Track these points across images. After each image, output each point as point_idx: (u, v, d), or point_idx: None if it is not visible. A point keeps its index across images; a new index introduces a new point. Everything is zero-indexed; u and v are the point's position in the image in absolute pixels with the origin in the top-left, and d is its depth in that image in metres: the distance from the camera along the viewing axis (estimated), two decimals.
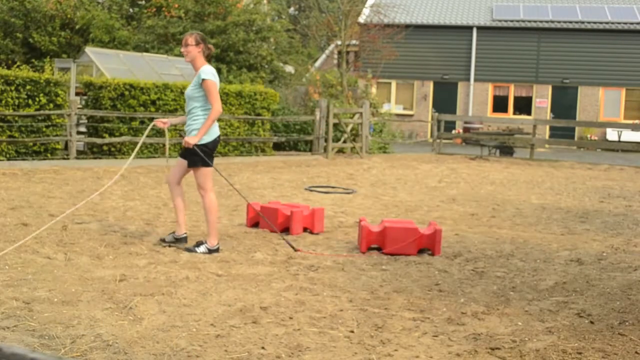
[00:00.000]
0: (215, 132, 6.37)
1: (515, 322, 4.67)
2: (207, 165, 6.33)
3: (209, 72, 6.27)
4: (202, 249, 6.41)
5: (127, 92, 14.54)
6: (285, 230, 7.49)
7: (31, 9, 22.72)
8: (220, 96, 16.29)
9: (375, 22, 27.95)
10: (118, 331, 4.16)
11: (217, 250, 6.42)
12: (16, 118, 12.88)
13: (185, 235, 6.67)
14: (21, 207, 8.22)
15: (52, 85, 13.45)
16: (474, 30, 29.10)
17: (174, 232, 6.75)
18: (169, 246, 6.56)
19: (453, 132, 27.39)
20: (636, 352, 4.14)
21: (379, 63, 27.84)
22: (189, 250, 6.42)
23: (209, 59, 6.58)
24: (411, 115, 29.61)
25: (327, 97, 22.13)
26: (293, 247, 6.58)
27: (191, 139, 6.25)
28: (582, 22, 28.40)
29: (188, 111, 6.46)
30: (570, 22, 28.51)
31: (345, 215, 8.95)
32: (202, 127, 6.25)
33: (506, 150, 20.55)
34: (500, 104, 29.53)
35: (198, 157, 6.29)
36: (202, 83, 6.24)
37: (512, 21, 29.07)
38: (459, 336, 4.34)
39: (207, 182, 6.39)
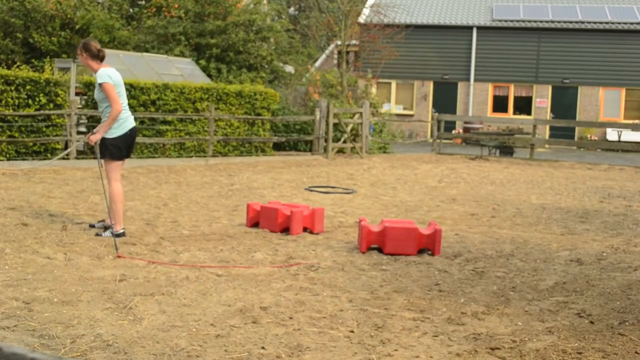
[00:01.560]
0: (123, 127, 6.87)
1: (515, 322, 4.67)
2: (114, 157, 6.87)
3: (104, 74, 6.75)
4: (107, 233, 6.84)
5: (127, 92, 14.52)
6: (286, 230, 7.50)
7: (31, 9, 22.71)
8: (220, 96, 16.48)
9: (375, 22, 27.95)
10: (118, 331, 4.16)
11: (123, 234, 6.84)
12: (16, 118, 12.88)
13: (123, 230, 6.95)
14: (21, 207, 8.22)
15: (52, 85, 13.46)
16: (474, 30, 29.09)
17: (103, 221, 7.23)
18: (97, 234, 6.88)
19: (453, 132, 27.38)
20: (636, 352, 4.14)
21: (379, 63, 27.84)
22: (98, 235, 6.87)
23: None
24: (411, 115, 29.60)
25: (327, 97, 22.14)
26: (116, 249, 6.29)
27: (93, 137, 6.87)
28: (582, 22, 28.39)
29: (101, 112, 6.98)
30: (570, 22, 28.50)
31: (345, 215, 8.95)
32: (102, 126, 6.84)
33: (506, 150, 20.55)
34: (500, 104, 29.52)
35: (107, 149, 6.86)
36: (100, 87, 6.75)
37: (512, 21, 29.06)
38: (459, 336, 4.34)
39: (112, 173, 6.92)
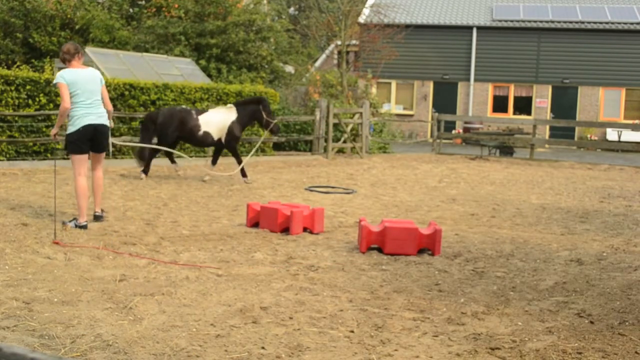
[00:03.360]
0: (77, 124, 7.28)
1: (515, 322, 4.67)
2: (73, 152, 7.35)
3: (58, 75, 7.29)
4: (72, 224, 7.23)
5: (127, 92, 14.54)
6: (286, 230, 7.50)
7: (31, 9, 22.71)
8: (220, 96, 16.47)
9: (375, 22, 27.94)
10: (118, 331, 4.16)
11: (85, 226, 7.19)
12: (16, 118, 12.88)
13: (86, 222, 7.32)
14: (21, 207, 8.22)
15: (52, 86, 13.44)
16: (474, 30, 29.09)
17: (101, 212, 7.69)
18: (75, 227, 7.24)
19: (453, 132, 27.38)
20: (636, 352, 4.14)
21: (379, 63, 27.84)
22: (63, 222, 7.27)
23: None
24: (411, 115, 29.59)
25: (327, 97, 22.13)
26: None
27: (52, 131, 7.63)
28: (582, 22, 28.39)
29: None
30: (570, 22, 28.50)
31: (345, 215, 8.95)
32: (56, 121, 7.46)
33: (506, 150, 20.55)
34: (500, 104, 29.52)
35: (67, 144, 7.49)
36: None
37: (512, 21, 29.06)
38: (459, 336, 4.34)
39: (75, 167, 7.34)
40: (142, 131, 12.01)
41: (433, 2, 31.14)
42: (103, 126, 7.46)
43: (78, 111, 7.30)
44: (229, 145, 11.88)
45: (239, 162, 11.93)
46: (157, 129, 11.71)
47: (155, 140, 11.82)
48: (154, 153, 11.87)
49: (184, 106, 12.55)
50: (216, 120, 11.74)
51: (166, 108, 12.32)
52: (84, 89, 7.28)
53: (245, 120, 11.87)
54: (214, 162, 12.33)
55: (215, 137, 11.77)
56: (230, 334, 4.21)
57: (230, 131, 11.73)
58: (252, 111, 11.79)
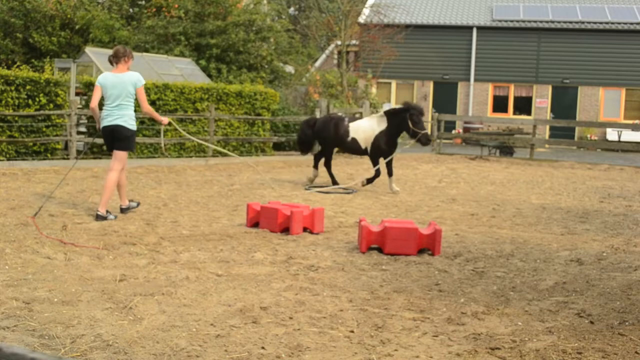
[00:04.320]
0: (102, 125, 7.95)
1: (515, 322, 4.67)
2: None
3: (98, 78, 7.95)
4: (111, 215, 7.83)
5: None
6: (286, 230, 7.50)
7: (31, 9, 22.71)
8: (220, 96, 16.50)
9: (375, 22, 27.96)
10: (118, 331, 4.16)
11: (103, 217, 7.76)
12: (16, 118, 12.88)
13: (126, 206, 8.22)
14: (21, 207, 8.22)
15: (52, 85, 13.46)
16: (474, 30, 29.10)
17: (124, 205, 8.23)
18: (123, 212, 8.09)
19: (453, 132, 27.39)
20: (636, 352, 4.14)
21: (379, 63, 27.84)
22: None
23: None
24: None
25: (327, 97, 22.13)
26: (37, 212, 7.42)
27: (97, 126, 8.26)
28: (582, 22, 28.40)
29: None
30: (570, 22, 28.51)
31: (345, 215, 8.95)
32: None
33: (506, 150, 20.55)
34: (500, 104, 29.52)
35: None
36: None
37: (512, 21, 29.07)
38: (459, 336, 4.34)
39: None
40: (299, 137, 12.44)
41: (433, 2, 31.14)
42: (118, 126, 7.84)
43: (103, 113, 7.93)
44: (371, 156, 11.72)
45: (375, 172, 11.65)
46: (315, 135, 12.01)
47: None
48: (328, 162, 12.04)
49: (340, 113, 12.62)
50: (364, 129, 11.62)
51: (324, 115, 12.47)
52: (110, 92, 7.84)
53: (393, 131, 11.59)
54: (373, 176, 11.71)
55: (363, 146, 11.66)
56: (230, 334, 4.21)
57: (375, 142, 11.51)
58: (400, 120, 11.45)
